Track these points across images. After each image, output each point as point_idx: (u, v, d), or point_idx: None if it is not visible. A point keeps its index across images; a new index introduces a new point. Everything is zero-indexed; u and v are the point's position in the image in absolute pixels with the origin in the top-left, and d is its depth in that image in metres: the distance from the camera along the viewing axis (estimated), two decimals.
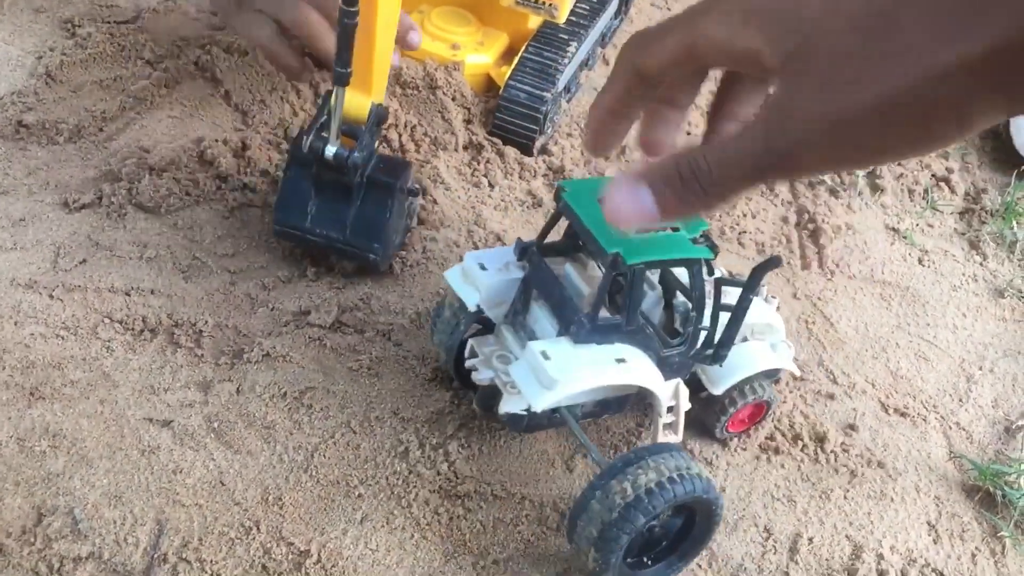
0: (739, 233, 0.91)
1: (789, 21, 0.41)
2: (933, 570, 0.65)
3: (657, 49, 0.48)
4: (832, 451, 0.71)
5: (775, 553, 0.65)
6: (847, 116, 0.38)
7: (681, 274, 0.61)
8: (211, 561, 0.60)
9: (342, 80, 0.69)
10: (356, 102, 0.73)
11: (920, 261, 0.91)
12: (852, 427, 0.74)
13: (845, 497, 0.69)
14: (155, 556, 0.59)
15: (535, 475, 0.68)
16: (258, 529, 0.62)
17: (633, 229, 0.49)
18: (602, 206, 0.44)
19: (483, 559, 0.62)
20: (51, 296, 0.74)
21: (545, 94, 0.92)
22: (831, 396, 0.76)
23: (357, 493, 0.65)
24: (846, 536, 0.67)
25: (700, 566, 0.63)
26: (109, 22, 1.04)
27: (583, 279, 0.62)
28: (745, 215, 0.93)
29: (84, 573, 0.58)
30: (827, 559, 0.65)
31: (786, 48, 0.41)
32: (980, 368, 0.81)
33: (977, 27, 0.34)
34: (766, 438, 0.71)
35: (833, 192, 0.98)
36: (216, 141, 0.87)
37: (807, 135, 0.39)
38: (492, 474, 0.67)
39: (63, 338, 0.71)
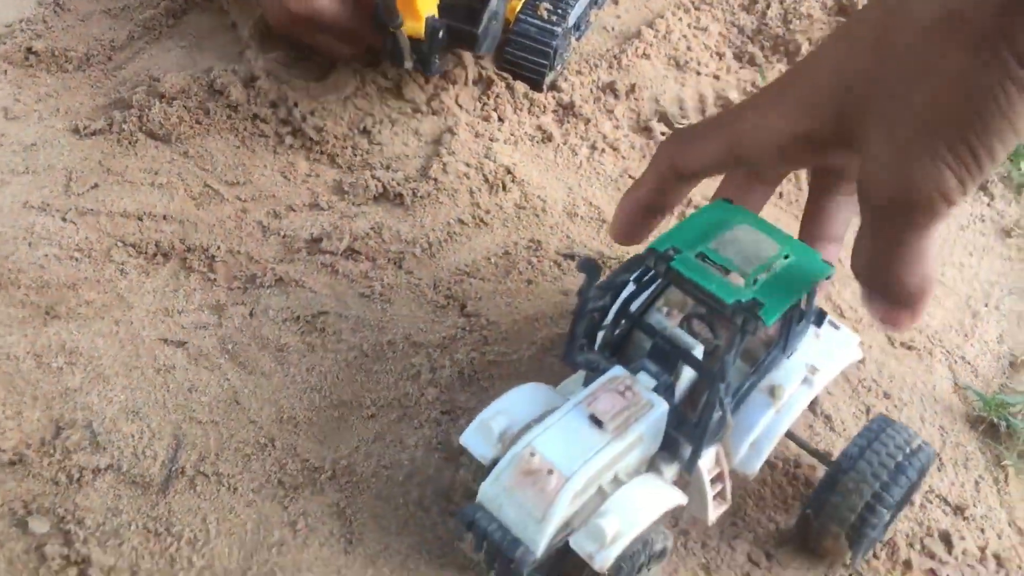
0: None
1: (816, 89, 0.41)
2: (937, 496, 0.66)
3: (697, 152, 0.48)
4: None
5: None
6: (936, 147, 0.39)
7: None
8: (228, 475, 0.60)
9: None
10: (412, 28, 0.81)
11: None
12: (859, 360, 0.74)
13: (855, 425, 0.70)
14: (173, 469, 0.60)
15: None
16: (273, 446, 0.63)
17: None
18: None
19: None
20: (64, 219, 0.74)
21: (556, 28, 0.91)
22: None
23: (369, 413, 0.65)
24: None
25: None
26: None
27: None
28: None
29: (103, 484, 0.59)
30: None
31: (828, 114, 0.41)
32: (986, 305, 0.81)
33: None
34: None
35: None
36: (225, 71, 0.87)
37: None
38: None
39: (77, 260, 0.72)
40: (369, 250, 0.76)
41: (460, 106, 0.90)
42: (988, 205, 0.91)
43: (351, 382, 0.67)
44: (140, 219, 0.76)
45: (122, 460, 0.60)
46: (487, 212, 0.80)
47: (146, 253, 0.73)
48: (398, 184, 0.81)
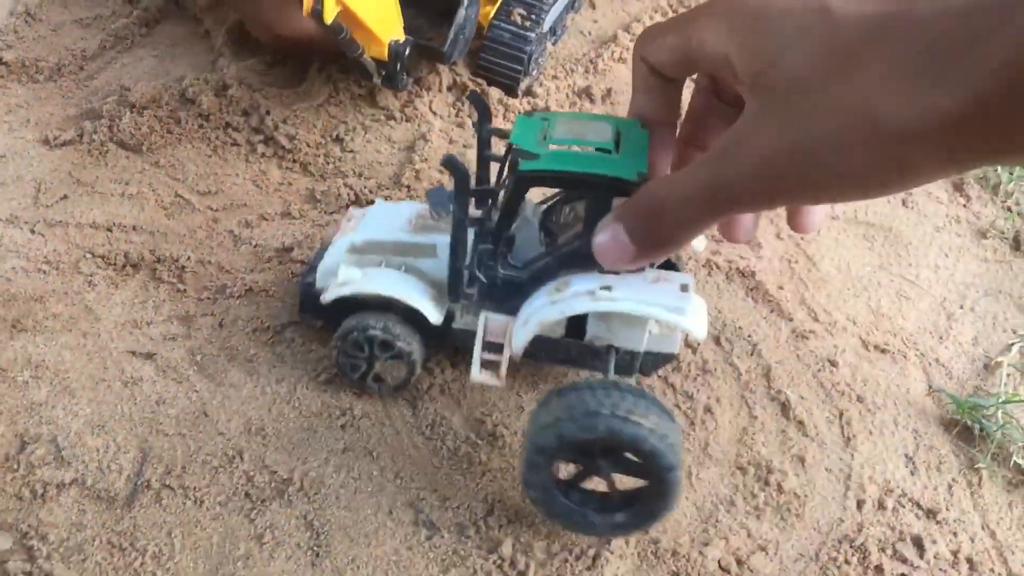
0: None
1: (766, 37, 0.39)
2: (910, 499, 0.66)
3: (658, 46, 0.47)
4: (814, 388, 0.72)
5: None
6: (790, 152, 0.37)
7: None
8: (195, 488, 0.60)
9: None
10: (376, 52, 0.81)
11: (904, 203, 0.91)
12: (833, 363, 0.74)
13: (828, 429, 0.70)
14: (139, 483, 0.60)
15: (518, 407, 0.68)
16: (241, 458, 0.62)
17: (624, 270, 0.52)
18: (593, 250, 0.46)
19: (459, 490, 0.63)
20: (32, 231, 0.74)
21: (530, 34, 0.91)
22: (812, 333, 0.76)
23: (339, 424, 0.65)
24: (825, 468, 0.67)
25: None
26: None
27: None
28: None
29: (68, 498, 0.58)
30: None
31: (755, 68, 0.39)
32: (961, 307, 0.81)
33: (938, 95, 0.32)
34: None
35: None
36: (197, 80, 0.86)
37: (752, 167, 0.38)
38: (471, 409, 0.67)
39: (45, 272, 0.71)
40: None
41: (434, 112, 0.90)
42: (964, 206, 0.91)
43: (320, 393, 0.67)
44: (109, 230, 0.75)
45: (87, 474, 0.59)
46: None
47: (115, 264, 0.73)
48: (370, 192, 0.80)
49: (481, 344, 0.61)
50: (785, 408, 0.71)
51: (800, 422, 0.70)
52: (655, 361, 0.65)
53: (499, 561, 0.58)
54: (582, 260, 0.57)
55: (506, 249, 0.59)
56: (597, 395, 0.54)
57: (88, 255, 0.73)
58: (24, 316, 0.68)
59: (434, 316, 0.62)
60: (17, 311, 0.68)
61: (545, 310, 0.58)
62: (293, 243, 0.76)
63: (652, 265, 0.58)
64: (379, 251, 0.63)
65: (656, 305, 0.56)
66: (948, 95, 0.32)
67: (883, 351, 0.76)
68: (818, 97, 0.36)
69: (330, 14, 0.71)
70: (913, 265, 0.84)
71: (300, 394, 0.66)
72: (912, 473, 0.68)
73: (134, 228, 0.76)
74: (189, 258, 0.74)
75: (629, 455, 0.56)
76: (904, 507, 0.66)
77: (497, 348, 0.62)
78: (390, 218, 0.66)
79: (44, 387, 0.64)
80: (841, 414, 0.71)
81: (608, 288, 0.57)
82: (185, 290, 0.72)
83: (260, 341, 0.69)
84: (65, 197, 0.77)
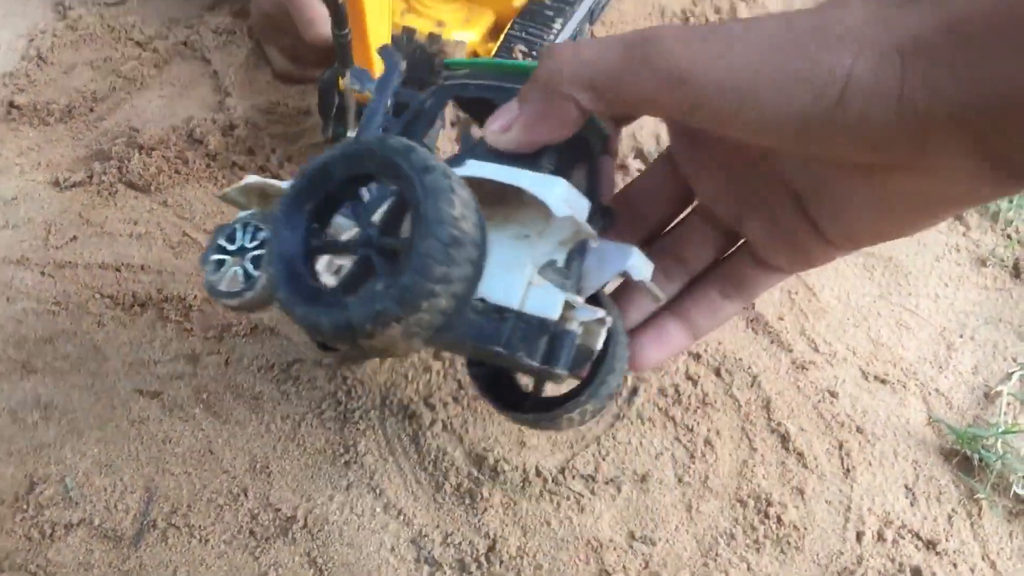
0: None
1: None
2: (909, 531, 0.66)
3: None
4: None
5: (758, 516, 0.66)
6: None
7: None
8: (200, 527, 0.61)
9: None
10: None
11: None
12: (832, 394, 0.75)
13: (828, 461, 0.70)
14: (145, 522, 0.61)
15: (519, 442, 0.69)
16: (246, 496, 0.63)
17: (509, 143, 0.43)
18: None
19: (461, 526, 0.64)
20: (43, 273, 0.75)
21: None
22: (812, 364, 0.77)
23: (343, 460, 0.66)
24: (825, 500, 0.68)
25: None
26: (99, 3, 1.04)
27: None
28: None
29: (76, 539, 0.59)
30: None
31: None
32: (961, 336, 0.81)
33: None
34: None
35: None
36: (205, 120, 0.88)
37: (670, 47, 0.38)
38: (473, 445, 0.68)
39: (55, 313, 0.73)
40: None
41: (438, 148, 0.91)
42: (964, 235, 0.91)
43: (324, 430, 0.68)
44: (118, 270, 0.77)
45: (94, 514, 0.61)
46: None
47: (123, 304, 0.74)
48: None
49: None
50: (785, 440, 0.71)
51: (800, 454, 0.70)
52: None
53: None
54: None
55: None
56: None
57: (97, 295, 0.74)
58: (34, 357, 0.69)
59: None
60: (27, 352, 0.69)
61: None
62: None
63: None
64: None
65: (524, 177, 0.43)
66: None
67: (883, 381, 0.77)
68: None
69: None
70: (913, 294, 0.85)
71: (304, 431, 0.67)
72: (912, 504, 0.68)
73: (142, 268, 0.77)
74: (196, 296, 0.75)
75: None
76: (904, 538, 0.66)
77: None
78: None
79: (53, 428, 0.65)
80: (841, 445, 0.71)
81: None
82: (192, 329, 0.73)
83: (265, 378, 0.70)
84: (75, 238, 0.78)
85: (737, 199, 0.49)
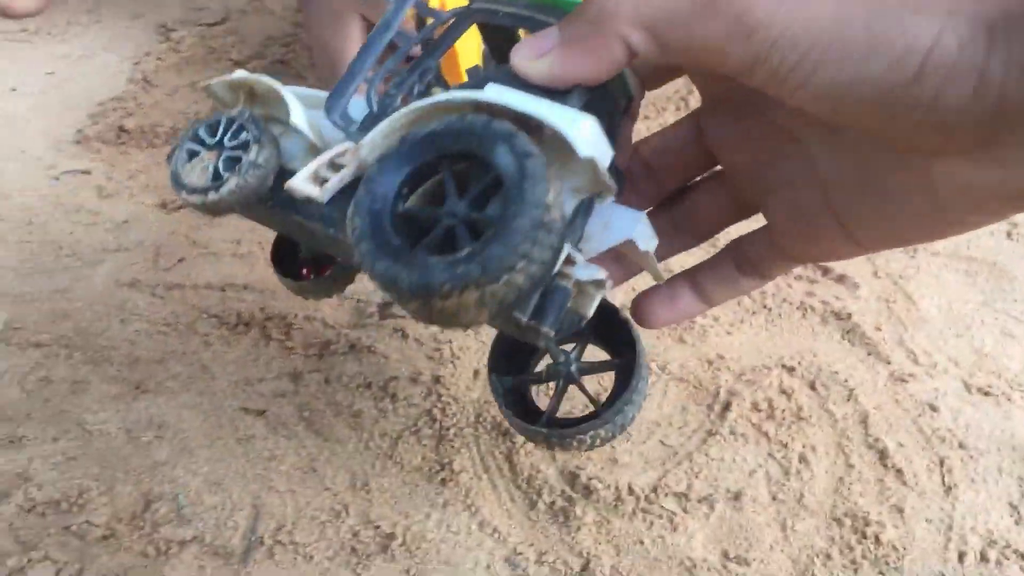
0: None
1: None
2: (1014, 551, 0.65)
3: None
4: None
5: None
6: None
7: None
8: (304, 544, 0.63)
9: None
10: None
11: (1008, 235, 0.88)
12: (933, 407, 0.73)
13: (928, 478, 0.69)
14: (252, 539, 0.63)
15: (611, 459, 0.69)
16: (347, 513, 0.65)
17: (542, 77, 0.41)
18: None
19: (555, 544, 0.65)
20: (153, 294, 0.79)
21: None
22: (912, 376, 0.75)
23: (439, 478, 0.68)
24: (925, 519, 0.67)
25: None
26: (200, 24, 1.09)
27: None
28: None
29: (188, 555, 0.62)
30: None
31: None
32: None
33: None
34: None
35: None
36: None
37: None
38: (566, 463, 0.69)
39: (165, 334, 0.76)
40: None
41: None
42: None
43: (421, 447, 0.69)
44: (223, 290, 0.80)
45: (205, 532, 0.64)
46: None
47: (228, 323, 0.77)
48: None
49: (326, 157, 0.48)
50: (883, 456, 0.70)
51: (899, 470, 0.69)
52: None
53: None
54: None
55: (419, 83, 0.50)
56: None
57: (204, 315, 0.78)
58: (147, 378, 0.73)
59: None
60: (140, 373, 0.73)
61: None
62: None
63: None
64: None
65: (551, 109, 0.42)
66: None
67: (986, 394, 0.75)
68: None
69: None
70: (1019, 301, 0.82)
71: (401, 448, 0.69)
72: (1017, 523, 0.67)
73: (245, 287, 0.80)
74: (296, 315, 0.78)
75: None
76: (1008, 559, 0.64)
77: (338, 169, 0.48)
78: None
79: (166, 447, 0.68)
80: (942, 461, 0.70)
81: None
82: (293, 347, 0.76)
83: (364, 396, 0.73)
84: (182, 259, 0.82)
85: (763, 178, 0.48)
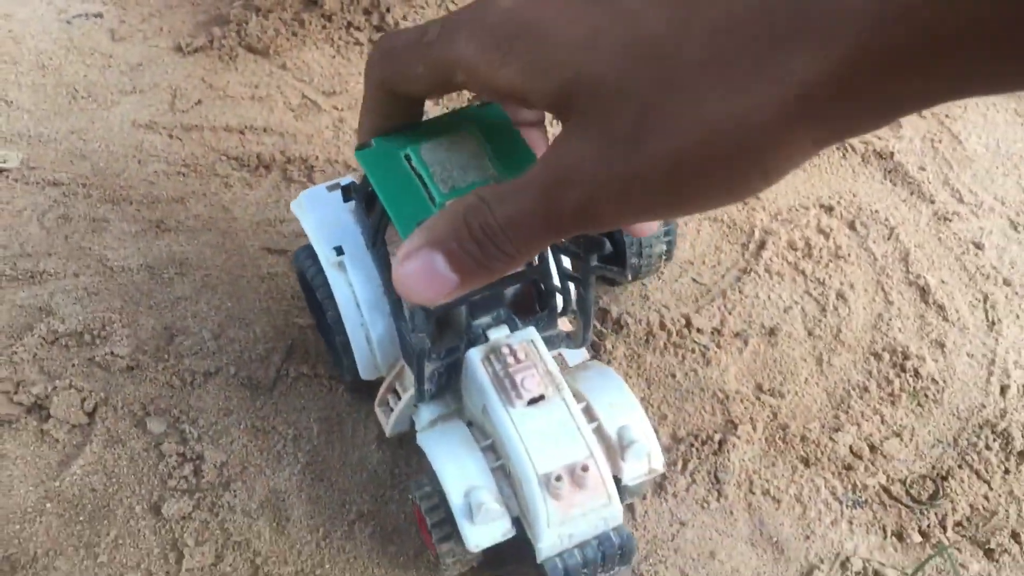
0: None
1: (548, 49, 0.32)
2: None
3: (408, 76, 0.38)
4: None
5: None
6: (633, 174, 0.30)
7: None
8: (328, 376, 0.63)
9: None
10: None
11: None
12: (978, 245, 0.71)
13: (971, 314, 0.67)
14: (279, 371, 0.63)
15: (643, 296, 0.68)
16: None
17: (433, 304, 0.35)
18: (395, 283, 0.34)
19: None
20: (170, 136, 0.77)
21: None
22: (956, 215, 0.72)
23: None
24: (967, 354, 0.65)
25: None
26: None
27: None
28: None
29: (214, 386, 0.62)
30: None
31: (550, 87, 0.32)
32: None
33: (794, 66, 0.26)
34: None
35: None
36: None
37: (593, 193, 0.31)
38: (602, 299, 0.67)
39: (184, 175, 0.74)
40: None
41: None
42: None
43: None
44: (242, 132, 0.78)
45: (230, 364, 0.63)
46: None
47: (248, 166, 0.75)
48: None
49: (387, 383, 0.55)
50: (924, 293, 0.68)
51: (940, 307, 0.67)
52: None
53: None
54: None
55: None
56: None
57: (223, 157, 0.76)
58: (167, 217, 0.71)
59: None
60: (161, 212, 0.71)
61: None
62: None
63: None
64: None
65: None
66: (803, 65, 0.26)
67: None
68: (643, 111, 0.29)
69: None
70: None
71: None
72: None
73: (264, 130, 0.78)
74: (317, 157, 0.75)
75: None
76: None
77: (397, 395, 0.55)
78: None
79: (188, 283, 0.67)
80: (986, 298, 0.68)
81: None
82: None
83: None
84: (199, 102, 0.79)
85: None
